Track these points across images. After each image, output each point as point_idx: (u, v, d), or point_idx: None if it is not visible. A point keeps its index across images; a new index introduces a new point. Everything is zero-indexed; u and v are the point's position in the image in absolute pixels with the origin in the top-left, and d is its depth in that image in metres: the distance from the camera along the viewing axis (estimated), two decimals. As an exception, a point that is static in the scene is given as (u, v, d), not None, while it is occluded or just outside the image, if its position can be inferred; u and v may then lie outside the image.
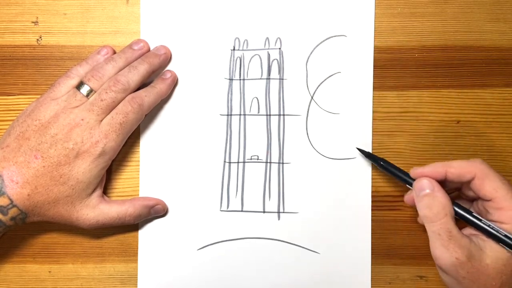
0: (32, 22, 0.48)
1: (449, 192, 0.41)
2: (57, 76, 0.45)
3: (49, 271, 0.49)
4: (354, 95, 0.48)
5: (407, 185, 0.43)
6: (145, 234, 0.48)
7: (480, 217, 0.40)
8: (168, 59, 0.47)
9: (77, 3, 0.48)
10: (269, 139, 0.48)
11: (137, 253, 0.48)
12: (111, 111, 0.43)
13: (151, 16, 0.47)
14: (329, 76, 0.48)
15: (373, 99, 0.48)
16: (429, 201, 0.40)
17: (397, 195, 0.48)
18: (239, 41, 0.48)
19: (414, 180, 0.42)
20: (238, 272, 0.48)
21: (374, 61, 0.47)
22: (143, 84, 0.46)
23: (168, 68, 0.47)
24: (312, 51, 0.48)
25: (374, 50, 0.47)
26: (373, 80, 0.47)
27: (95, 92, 0.43)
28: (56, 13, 0.48)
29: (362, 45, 0.47)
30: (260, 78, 0.48)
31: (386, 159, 0.47)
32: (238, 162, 0.48)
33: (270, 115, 0.48)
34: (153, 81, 0.46)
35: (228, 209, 0.48)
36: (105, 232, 0.48)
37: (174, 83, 0.47)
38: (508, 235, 0.38)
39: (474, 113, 0.48)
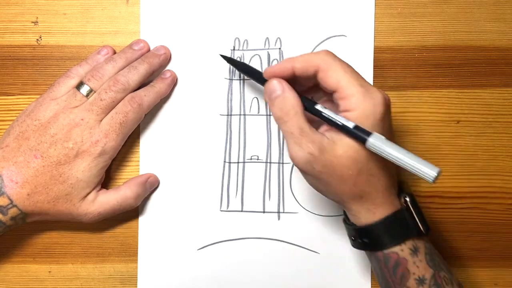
0: (32, 22, 0.48)
1: (306, 90, 0.41)
2: (57, 76, 0.45)
3: (49, 271, 0.49)
4: (354, 95, 0.47)
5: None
6: (145, 234, 0.48)
7: (322, 109, 0.38)
8: (167, 59, 0.47)
9: (77, 3, 0.48)
10: (269, 139, 0.48)
11: (137, 253, 0.48)
12: (109, 110, 0.43)
13: (151, 16, 0.47)
14: (329, 76, 0.48)
15: (373, 99, 0.48)
16: (279, 102, 0.39)
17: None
18: (239, 41, 0.48)
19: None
20: (238, 272, 0.48)
21: (374, 61, 0.47)
22: (143, 84, 0.46)
23: (168, 68, 0.47)
24: (312, 51, 0.48)
25: (374, 50, 0.47)
26: (373, 80, 0.47)
27: (95, 92, 0.43)
28: (56, 13, 0.48)
29: (362, 45, 0.47)
30: (260, 78, 0.48)
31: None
32: (238, 162, 0.48)
33: (270, 115, 0.48)
34: (152, 80, 0.46)
35: (228, 209, 0.48)
36: (105, 232, 0.48)
37: (174, 82, 0.47)
38: (345, 124, 0.37)
39: (474, 113, 0.48)
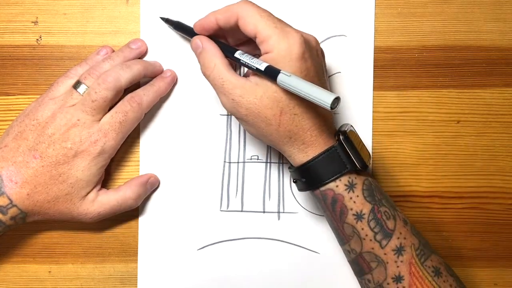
0: (32, 22, 0.48)
1: (242, 43, 0.43)
2: (57, 76, 0.45)
3: (49, 271, 0.49)
4: (354, 95, 0.48)
5: None
6: (145, 234, 0.48)
7: (240, 56, 0.40)
8: (161, 70, 0.47)
9: (77, 3, 0.48)
10: (269, 139, 0.48)
11: (137, 253, 0.48)
12: (103, 109, 0.43)
13: (151, 16, 0.47)
14: (329, 76, 0.48)
15: (373, 99, 0.48)
16: (202, 58, 0.41)
17: (397, 195, 0.48)
18: (239, 41, 0.48)
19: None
20: (238, 272, 0.48)
21: (374, 61, 0.47)
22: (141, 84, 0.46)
23: (168, 67, 0.47)
24: (312, 51, 0.48)
25: (374, 50, 0.47)
26: (373, 80, 0.47)
27: None
28: (56, 13, 0.48)
29: (362, 45, 0.47)
30: (260, 78, 0.48)
31: (386, 159, 0.48)
32: (238, 162, 0.48)
33: (270, 115, 0.48)
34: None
35: (228, 209, 0.48)
36: (105, 232, 0.48)
37: (174, 82, 0.47)
38: (258, 67, 0.38)
39: (474, 113, 0.48)
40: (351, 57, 0.47)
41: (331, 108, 0.35)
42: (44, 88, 0.46)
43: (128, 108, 0.43)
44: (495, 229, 0.48)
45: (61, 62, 0.48)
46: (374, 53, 0.47)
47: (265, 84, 0.39)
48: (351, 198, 0.40)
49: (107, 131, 0.42)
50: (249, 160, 0.48)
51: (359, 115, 0.48)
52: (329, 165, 0.40)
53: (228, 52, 0.41)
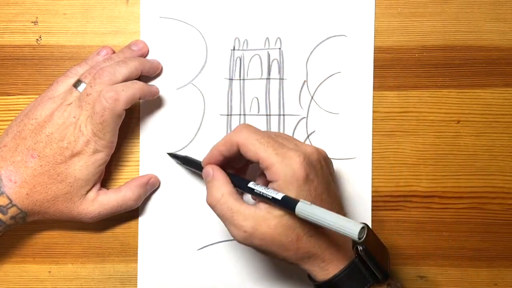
0: (32, 22, 0.48)
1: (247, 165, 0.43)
2: (57, 76, 0.45)
3: (49, 271, 0.49)
4: (354, 95, 0.48)
5: None
6: (145, 234, 0.48)
7: (254, 186, 0.39)
8: (159, 68, 0.47)
9: (77, 3, 0.48)
10: (269, 139, 0.48)
11: (137, 253, 0.48)
12: None
13: (151, 16, 0.47)
14: (329, 76, 0.48)
15: (373, 99, 0.48)
16: (209, 187, 0.40)
17: (397, 195, 0.48)
18: (239, 41, 0.48)
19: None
20: (238, 272, 0.48)
21: (374, 61, 0.47)
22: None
23: (168, 67, 0.47)
24: (312, 51, 0.48)
25: (374, 50, 0.47)
26: (373, 80, 0.47)
27: None
28: (56, 13, 0.48)
29: (362, 45, 0.47)
30: (260, 78, 0.48)
31: (386, 159, 0.48)
32: (238, 162, 0.48)
33: (270, 115, 0.48)
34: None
35: (228, 209, 0.48)
36: (105, 232, 0.48)
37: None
38: (275, 197, 0.37)
39: (474, 113, 0.48)
40: (351, 57, 0.47)
41: (359, 239, 0.34)
42: (44, 88, 0.46)
43: (104, 106, 0.41)
44: (495, 229, 0.48)
45: (61, 62, 0.48)
46: (374, 53, 0.47)
47: (277, 212, 0.38)
48: None
49: (94, 131, 0.42)
50: (249, 160, 0.48)
51: (359, 115, 0.48)
52: (351, 280, 0.39)
53: (240, 183, 0.41)
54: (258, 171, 0.43)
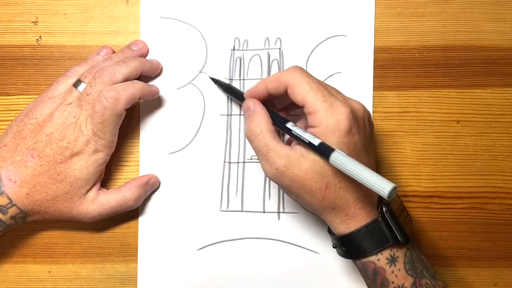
0: (32, 22, 0.48)
1: (288, 105, 0.43)
2: (57, 76, 0.45)
3: (49, 271, 0.49)
4: (354, 95, 0.47)
5: None
6: (145, 234, 0.48)
7: (292, 127, 0.39)
8: (159, 68, 0.47)
9: (77, 3, 0.48)
10: (269, 139, 0.48)
11: (137, 253, 0.48)
12: None
13: (151, 16, 0.47)
14: (329, 76, 0.48)
15: (373, 99, 0.48)
16: (248, 121, 0.41)
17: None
18: (239, 41, 0.48)
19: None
20: (238, 272, 0.48)
21: (374, 61, 0.47)
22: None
23: (168, 67, 0.47)
24: (312, 51, 0.48)
25: (374, 50, 0.47)
26: (373, 80, 0.47)
27: None
28: (56, 13, 0.48)
29: (362, 45, 0.47)
30: (260, 78, 0.48)
31: (386, 159, 0.48)
32: (238, 162, 0.48)
33: (270, 115, 0.48)
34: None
35: (228, 209, 0.48)
36: (105, 232, 0.48)
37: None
38: (311, 141, 0.37)
39: (474, 113, 0.48)
40: (351, 57, 0.47)
41: (388, 197, 0.34)
42: (44, 88, 0.46)
43: (104, 105, 0.41)
44: (495, 229, 0.48)
45: (61, 62, 0.48)
46: (374, 53, 0.47)
47: (311, 157, 0.38)
48: (392, 271, 0.39)
49: (94, 130, 0.42)
50: (249, 160, 0.48)
51: (359, 115, 0.47)
52: (371, 238, 0.39)
53: (279, 122, 0.41)
54: (298, 118, 0.43)
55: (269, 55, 0.48)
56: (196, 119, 0.48)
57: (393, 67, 0.48)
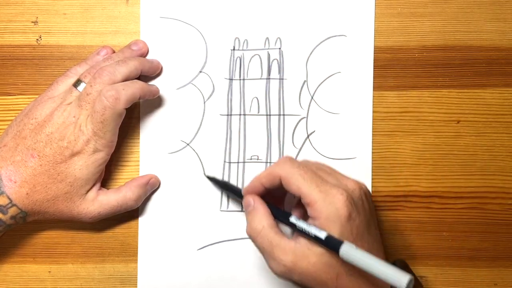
0: (32, 22, 0.48)
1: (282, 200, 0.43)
2: (57, 76, 0.45)
3: (49, 271, 0.49)
4: (354, 95, 0.48)
5: None
6: (145, 234, 0.48)
7: (296, 221, 0.39)
8: (159, 68, 0.47)
9: (77, 3, 0.48)
10: (269, 139, 0.48)
11: (137, 253, 0.48)
12: None
13: (151, 16, 0.47)
14: (329, 76, 0.48)
15: (373, 99, 0.48)
16: (250, 218, 0.40)
17: (397, 195, 0.48)
18: (239, 41, 0.48)
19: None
20: (238, 272, 0.48)
21: (374, 61, 0.47)
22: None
23: (168, 67, 0.47)
24: (312, 51, 0.48)
25: (374, 50, 0.47)
26: (373, 80, 0.47)
27: None
28: (56, 13, 0.48)
29: (362, 45, 0.47)
30: (260, 78, 0.48)
31: (386, 159, 0.48)
32: (238, 162, 0.48)
33: (270, 115, 0.48)
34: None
35: (228, 209, 0.48)
36: (105, 232, 0.48)
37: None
38: (317, 235, 0.37)
39: (474, 113, 0.48)
40: (351, 57, 0.47)
41: None
42: (44, 88, 0.46)
43: (104, 104, 0.41)
44: (495, 229, 0.48)
45: (61, 62, 0.48)
46: (374, 53, 0.47)
47: (318, 249, 0.38)
48: None
49: (94, 130, 0.42)
50: (249, 160, 0.48)
51: (359, 115, 0.48)
52: None
53: (281, 216, 0.40)
54: (295, 200, 0.43)
55: (269, 55, 0.48)
56: (196, 119, 0.48)
57: (393, 67, 0.48)
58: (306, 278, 0.38)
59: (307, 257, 0.38)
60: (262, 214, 0.40)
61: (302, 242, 0.38)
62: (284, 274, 0.38)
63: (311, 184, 0.38)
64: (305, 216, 0.40)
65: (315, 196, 0.38)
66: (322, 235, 0.37)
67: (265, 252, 0.39)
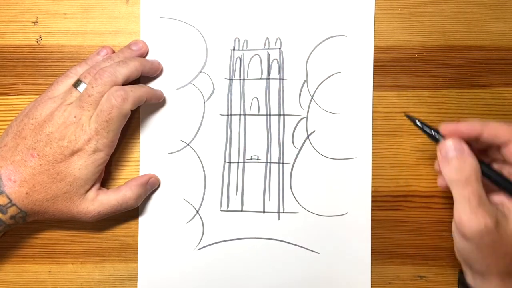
0: (32, 22, 0.48)
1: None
2: (57, 76, 0.45)
3: (49, 271, 0.49)
4: (354, 95, 0.48)
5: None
6: (145, 234, 0.48)
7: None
8: (159, 68, 0.47)
9: (77, 3, 0.48)
10: (269, 139, 0.48)
11: (137, 253, 0.48)
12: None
13: (151, 16, 0.48)
14: (329, 76, 0.48)
15: (373, 99, 0.48)
16: (459, 164, 0.37)
17: (397, 195, 0.48)
18: (239, 41, 0.48)
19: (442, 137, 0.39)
20: (238, 272, 0.48)
21: (374, 61, 0.47)
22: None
23: (168, 67, 0.47)
24: (312, 51, 0.48)
25: (374, 50, 0.47)
26: (373, 80, 0.47)
27: None
28: (56, 13, 0.48)
29: (362, 45, 0.47)
30: (260, 78, 0.48)
31: (386, 159, 0.48)
32: (238, 162, 0.48)
33: (270, 115, 0.48)
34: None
35: (228, 209, 0.48)
36: (105, 232, 0.48)
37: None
38: None
39: (474, 113, 0.48)
40: (351, 57, 0.47)
41: None
42: (44, 88, 0.46)
43: (112, 103, 0.42)
44: (495, 229, 0.48)
45: (61, 62, 0.48)
46: (374, 53, 0.47)
47: None
48: None
49: (97, 129, 0.42)
50: (249, 160, 0.48)
51: (359, 115, 0.48)
52: None
53: (491, 171, 0.38)
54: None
55: (269, 55, 0.48)
56: (196, 119, 0.48)
57: (393, 67, 0.48)
58: (494, 245, 0.36)
59: (507, 224, 0.36)
60: (476, 164, 0.37)
61: (502, 209, 0.37)
62: (479, 233, 0.36)
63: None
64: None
65: None
66: None
67: (469, 205, 0.36)
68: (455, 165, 0.38)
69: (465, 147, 0.38)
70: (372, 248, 0.48)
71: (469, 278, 0.40)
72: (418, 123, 0.41)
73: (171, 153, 0.48)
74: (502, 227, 0.36)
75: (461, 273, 0.42)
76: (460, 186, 0.37)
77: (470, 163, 0.37)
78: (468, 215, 0.36)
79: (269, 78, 0.48)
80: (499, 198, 0.39)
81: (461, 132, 0.39)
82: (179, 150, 0.48)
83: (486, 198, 0.37)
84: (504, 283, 0.37)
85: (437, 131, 0.40)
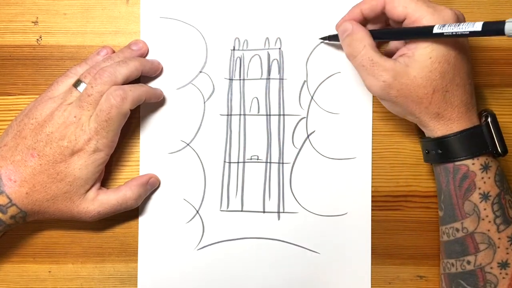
0: (32, 22, 0.48)
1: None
2: (57, 76, 0.45)
3: (49, 271, 0.49)
4: (354, 95, 0.48)
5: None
6: (145, 234, 0.48)
7: (440, 28, 0.39)
8: (159, 68, 0.47)
9: (77, 3, 0.48)
10: (269, 139, 0.48)
11: (137, 253, 0.48)
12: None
13: (151, 16, 0.48)
14: (329, 76, 0.48)
15: (373, 99, 0.48)
16: (349, 39, 0.41)
17: (397, 195, 0.48)
18: (239, 41, 0.48)
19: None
20: (238, 272, 0.48)
21: (374, 61, 0.47)
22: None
23: (168, 67, 0.47)
24: (312, 51, 0.48)
25: (374, 50, 0.47)
26: (373, 80, 0.47)
27: None
28: (56, 13, 0.48)
29: (362, 45, 0.47)
30: (260, 78, 0.48)
31: (386, 159, 0.48)
32: (238, 162, 0.48)
33: (270, 115, 0.48)
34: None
35: (228, 209, 0.48)
36: (105, 232, 0.48)
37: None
38: (472, 29, 0.37)
39: (474, 113, 0.48)
40: (351, 57, 0.47)
41: None
42: (44, 88, 0.46)
43: (111, 103, 0.41)
44: (495, 229, 0.48)
45: (61, 62, 0.48)
46: (374, 53, 0.47)
47: (419, 63, 0.39)
48: (482, 178, 0.41)
49: (97, 129, 0.42)
50: (249, 160, 0.48)
51: (359, 115, 0.48)
52: (470, 142, 0.41)
53: (379, 32, 0.42)
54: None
55: (269, 55, 0.48)
56: (196, 119, 0.48)
57: (393, 67, 0.48)
58: (402, 94, 0.40)
59: (407, 72, 0.39)
60: (363, 35, 0.41)
61: (402, 60, 0.40)
62: (382, 89, 0.40)
63: (417, 1, 0.40)
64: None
65: (423, 11, 0.39)
66: (478, 26, 0.37)
67: (365, 70, 0.40)
68: (347, 42, 0.42)
69: (354, 24, 0.42)
70: (372, 248, 0.48)
71: (425, 132, 0.44)
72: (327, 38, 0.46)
73: (171, 153, 0.48)
74: (403, 75, 0.40)
75: (421, 140, 0.45)
76: (353, 57, 0.41)
77: (357, 35, 0.41)
78: (367, 78, 0.41)
79: (269, 78, 0.48)
80: (399, 53, 0.41)
81: (349, 18, 0.43)
82: (179, 150, 0.48)
83: (379, 58, 0.40)
84: (438, 122, 0.41)
85: (334, 35, 0.45)
